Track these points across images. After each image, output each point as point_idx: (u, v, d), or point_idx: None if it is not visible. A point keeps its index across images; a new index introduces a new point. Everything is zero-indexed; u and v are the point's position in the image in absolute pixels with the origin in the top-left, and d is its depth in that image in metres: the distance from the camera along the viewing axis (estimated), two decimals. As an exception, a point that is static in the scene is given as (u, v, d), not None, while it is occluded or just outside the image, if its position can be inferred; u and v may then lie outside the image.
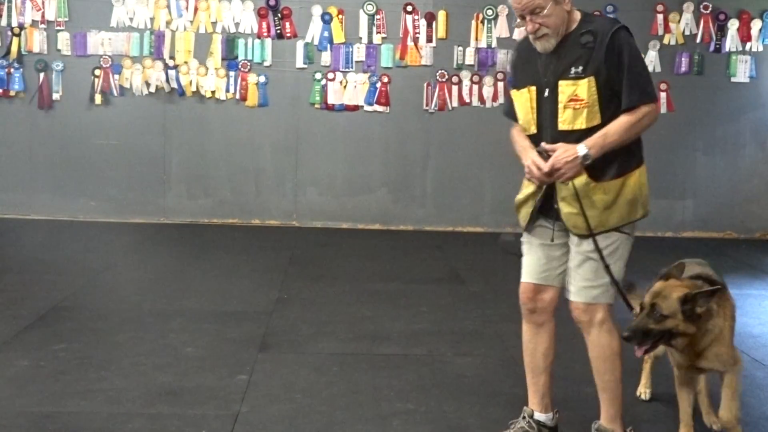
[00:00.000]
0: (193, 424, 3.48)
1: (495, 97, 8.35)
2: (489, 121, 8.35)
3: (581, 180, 3.08)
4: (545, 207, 3.21)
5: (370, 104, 8.36)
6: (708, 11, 8.43)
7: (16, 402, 3.66)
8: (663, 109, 8.48)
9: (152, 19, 8.20)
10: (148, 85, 8.17)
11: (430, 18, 8.30)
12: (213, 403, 3.72)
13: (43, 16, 8.14)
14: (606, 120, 3.06)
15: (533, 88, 3.18)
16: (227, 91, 8.27)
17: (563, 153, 3.02)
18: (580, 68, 3.06)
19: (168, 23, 8.21)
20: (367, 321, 5.12)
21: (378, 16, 8.29)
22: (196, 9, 8.21)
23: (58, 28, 8.16)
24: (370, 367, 4.26)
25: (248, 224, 8.40)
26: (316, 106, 8.36)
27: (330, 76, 8.30)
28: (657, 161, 8.54)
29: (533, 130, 3.20)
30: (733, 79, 8.53)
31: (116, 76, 8.19)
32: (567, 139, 3.08)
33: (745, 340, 4.95)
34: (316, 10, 8.27)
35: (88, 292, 5.64)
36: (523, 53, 3.28)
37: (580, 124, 3.08)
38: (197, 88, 8.22)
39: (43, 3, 8.12)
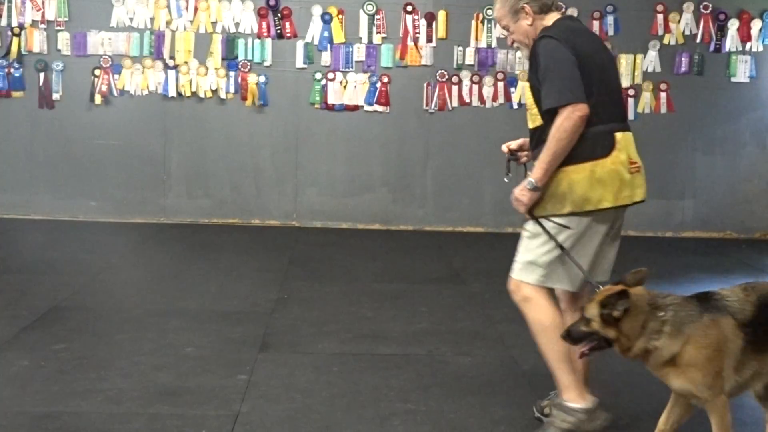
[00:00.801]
0: (193, 424, 3.48)
1: (495, 97, 8.35)
2: (489, 121, 8.36)
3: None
4: None
5: (370, 104, 8.36)
6: (708, 11, 8.43)
7: (16, 402, 3.66)
8: (663, 109, 8.49)
9: (152, 19, 8.20)
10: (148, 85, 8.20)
11: (430, 18, 8.30)
12: (213, 403, 3.72)
13: (43, 16, 8.13)
14: (545, 122, 3.27)
15: None
16: (227, 91, 8.28)
17: (515, 189, 3.34)
18: (529, 74, 3.40)
19: (168, 23, 8.21)
20: (367, 321, 5.12)
21: (378, 16, 8.29)
22: (196, 9, 8.21)
23: (58, 28, 8.16)
24: (370, 367, 4.26)
25: (248, 224, 8.40)
26: (316, 106, 8.36)
27: (330, 76, 8.30)
28: (657, 161, 8.57)
29: None
30: (733, 79, 8.52)
31: (116, 76, 8.19)
32: (531, 136, 3.46)
33: (745, 340, 4.94)
34: (316, 10, 8.27)
35: (88, 292, 5.64)
36: None
37: (530, 124, 3.42)
38: (197, 88, 8.23)
39: (43, 3, 8.12)
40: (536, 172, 3.25)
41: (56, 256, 6.74)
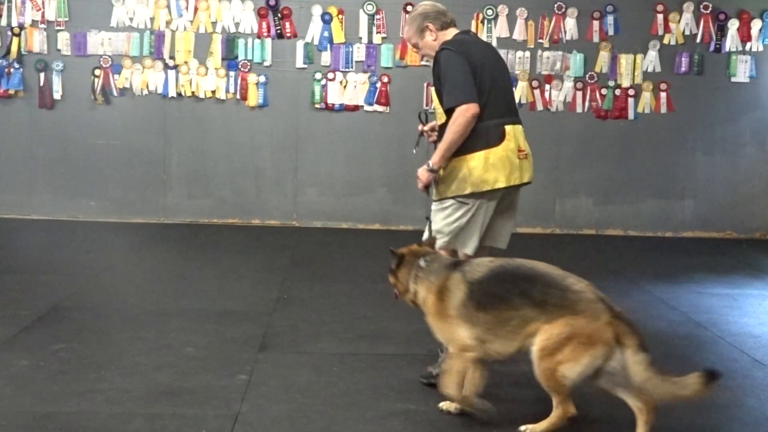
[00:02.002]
0: (193, 424, 3.48)
1: (495, 97, 8.34)
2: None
3: None
4: None
5: (370, 104, 8.36)
6: (708, 11, 8.43)
7: (16, 402, 3.66)
8: (663, 109, 8.49)
9: (152, 19, 8.20)
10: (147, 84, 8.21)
11: (430, 18, 8.29)
12: (213, 403, 3.72)
13: (43, 16, 8.14)
14: (448, 119, 3.90)
15: None
16: (227, 91, 8.28)
17: (420, 168, 3.98)
18: (433, 81, 4.02)
19: (168, 23, 8.21)
20: (367, 321, 5.12)
21: (378, 16, 8.29)
22: (196, 9, 8.21)
23: (58, 28, 8.16)
24: (370, 367, 4.26)
25: (248, 224, 8.40)
26: (316, 106, 8.37)
27: (330, 76, 8.31)
28: (657, 161, 8.61)
29: None
30: (733, 79, 8.52)
31: (116, 76, 8.19)
32: (438, 131, 4.09)
33: (745, 340, 4.95)
34: (316, 10, 8.27)
35: (88, 292, 5.64)
36: None
37: (440, 121, 4.04)
38: (197, 88, 8.23)
39: (43, 3, 8.12)
40: (434, 157, 3.92)
41: (56, 256, 6.74)
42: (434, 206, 4.09)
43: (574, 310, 3.23)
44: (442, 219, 4.02)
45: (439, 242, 4.00)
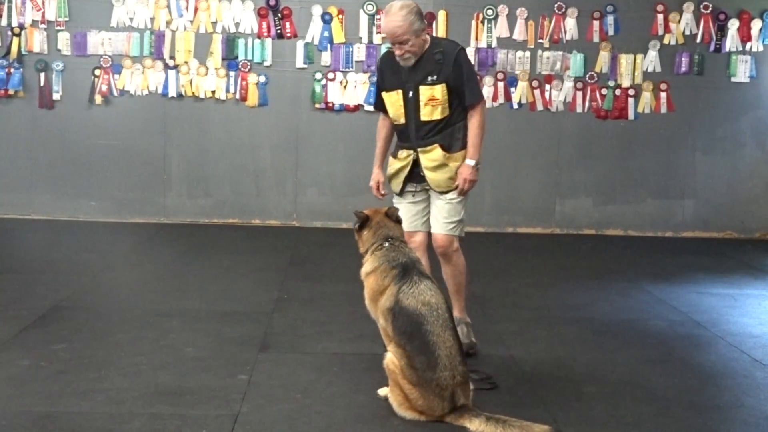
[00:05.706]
0: (193, 424, 3.48)
1: (495, 97, 8.33)
2: (489, 121, 8.25)
3: (440, 154, 4.37)
4: (411, 175, 4.46)
5: (370, 104, 8.36)
6: (708, 11, 8.43)
7: (16, 402, 3.66)
8: (663, 109, 8.49)
9: (152, 19, 8.20)
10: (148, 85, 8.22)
11: (430, 18, 8.29)
12: (213, 403, 3.72)
13: (43, 16, 8.14)
14: (452, 112, 4.35)
15: (400, 91, 4.39)
16: (227, 91, 8.28)
17: (465, 173, 4.38)
18: (435, 77, 4.31)
19: (168, 23, 8.21)
20: (367, 321, 5.07)
21: (378, 16, 8.29)
22: (196, 9, 8.22)
23: (58, 28, 8.16)
24: (370, 367, 4.26)
25: (248, 224, 8.40)
26: (316, 106, 8.37)
27: (330, 76, 8.31)
28: (657, 161, 8.61)
29: (402, 120, 4.44)
30: (733, 79, 8.52)
31: (116, 76, 8.19)
32: (426, 126, 4.36)
33: (745, 340, 4.95)
34: (316, 10, 8.27)
35: (88, 292, 5.64)
36: (388, 64, 4.48)
37: (437, 115, 4.35)
38: (197, 88, 8.23)
39: (43, 3, 8.12)
40: (475, 155, 4.40)
41: (56, 256, 6.74)
42: (440, 202, 4.43)
43: None
44: (462, 208, 4.46)
45: (462, 231, 4.47)
